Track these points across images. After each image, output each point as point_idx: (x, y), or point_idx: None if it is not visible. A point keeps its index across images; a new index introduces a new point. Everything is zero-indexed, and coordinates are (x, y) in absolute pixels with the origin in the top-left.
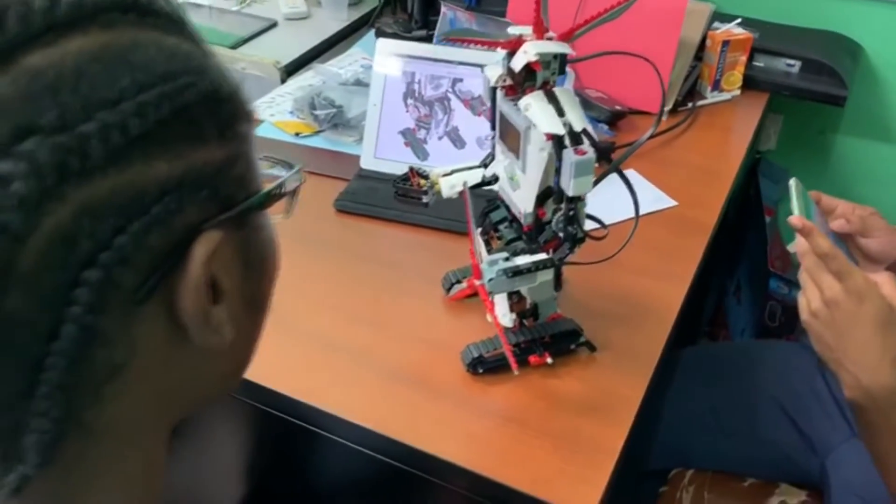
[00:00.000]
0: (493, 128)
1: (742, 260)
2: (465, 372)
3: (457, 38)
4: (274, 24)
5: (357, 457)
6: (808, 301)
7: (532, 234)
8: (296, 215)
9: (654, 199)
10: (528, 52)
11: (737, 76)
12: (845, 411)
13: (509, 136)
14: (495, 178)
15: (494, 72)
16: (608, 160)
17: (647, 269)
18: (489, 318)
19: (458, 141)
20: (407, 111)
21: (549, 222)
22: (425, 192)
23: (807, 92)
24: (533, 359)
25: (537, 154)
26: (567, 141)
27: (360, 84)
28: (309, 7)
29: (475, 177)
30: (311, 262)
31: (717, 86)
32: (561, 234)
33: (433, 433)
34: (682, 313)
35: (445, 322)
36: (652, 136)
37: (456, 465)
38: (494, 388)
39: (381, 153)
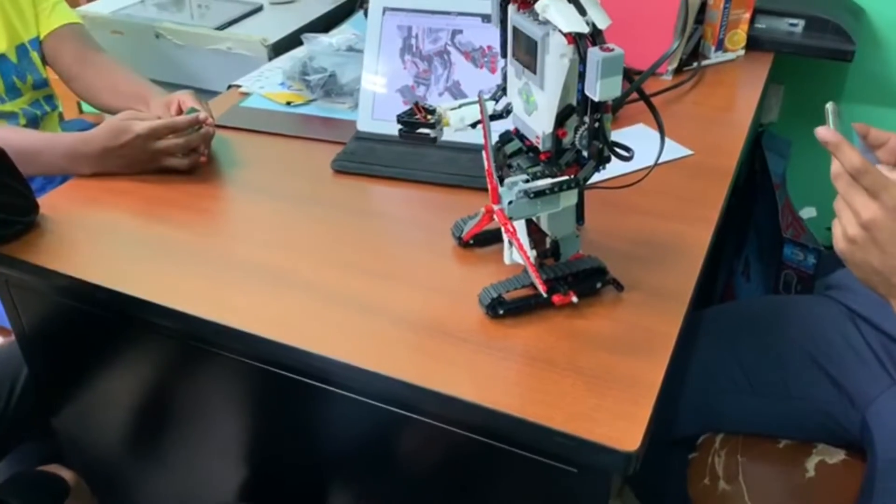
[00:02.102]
0: (504, 53)
1: (749, 237)
2: (483, 316)
3: None
4: (259, 8)
5: (374, 413)
6: (844, 227)
7: (552, 159)
8: (292, 178)
9: (669, 149)
10: None
11: (740, 35)
12: (882, 358)
13: (524, 51)
14: (507, 112)
15: None
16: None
17: (669, 213)
18: (507, 260)
19: (459, 96)
20: (405, 68)
21: (570, 145)
22: (433, 126)
23: (813, 49)
24: (557, 298)
25: (557, 63)
26: (591, 40)
27: (353, 50)
28: None
29: (485, 109)
30: (311, 222)
31: (720, 45)
32: (585, 152)
33: (453, 376)
34: (709, 254)
35: (458, 270)
36: (669, 56)
37: (480, 405)
38: (516, 330)
39: (379, 114)
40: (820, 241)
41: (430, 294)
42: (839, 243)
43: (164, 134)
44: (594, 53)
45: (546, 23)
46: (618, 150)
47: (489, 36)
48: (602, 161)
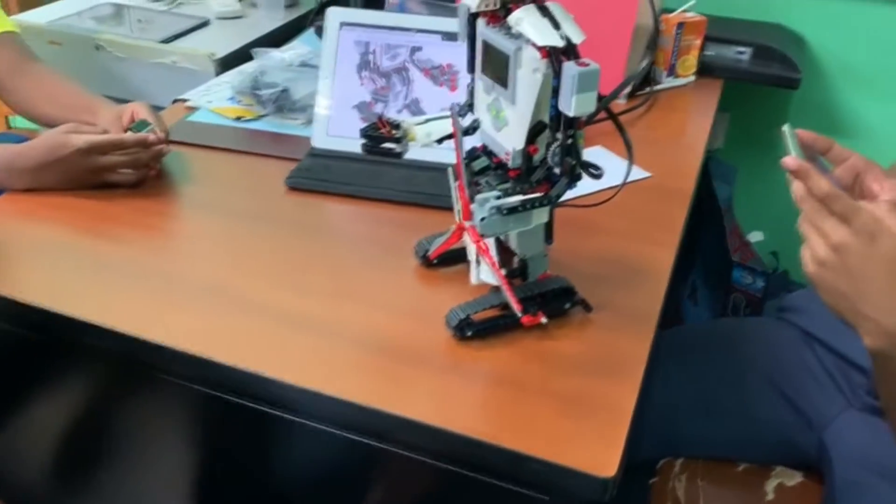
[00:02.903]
0: (471, 68)
1: (695, 261)
2: (449, 338)
3: None
4: (206, 23)
5: (334, 441)
6: (814, 250)
7: (522, 176)
8: (244, 195)
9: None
10: None
11: (692, 61)
12: (838, 381)
13: (494, 65)
14: (474, 129)
15: None
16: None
17: (632, 234)
18: (474, 280)
19: (419, 114)
20: (362, 84)
21: (541, 162)
22: (398, 141)
23: (760, 76)
24: (526, 319)
25: (530, 77)
26: (563, 54)
27: (307, 66)
28: (243, 7)
29: (451, 126)
30: (264, 240)
31: (672, 71)
32: (557, 169)
33: (419, 401)
34: (673, 275)
35: (422, 290)
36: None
37: (449, 430)
38: (484, 352)
39: (335, 130)
40: (768, 264)
41: (393, 315)
42: (808, 267)
43: (108, 150)
44: (570, 68)
45: (518, 36)
46: (589, 168)
47: (449, 53)
48: (574, 179)
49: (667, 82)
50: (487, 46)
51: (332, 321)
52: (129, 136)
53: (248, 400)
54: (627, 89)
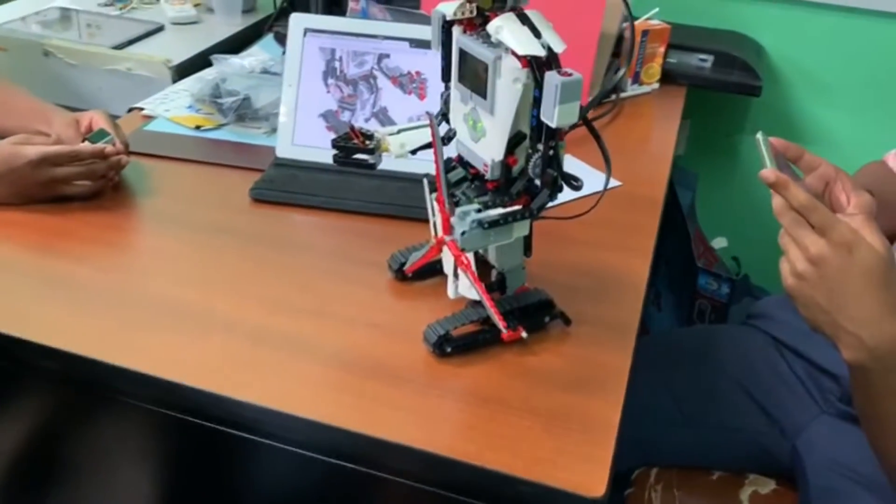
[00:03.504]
0: (445, 77)
1: (659, 268)
2: (427, 355)
3: None
4: (160, 28)
5: (307, 465)
6: (792, 263)
7: (501, 188)
8: (206, 208)
9: (598, 180)
10: None
11: (656, 68)
12: (809, 387)
13: (472, 74)
14: (449, 139)
15: (452, 4)
16: None
17: (606, 243)
18: (452, 294)
19: (387, 122)
20: (328, 92)
21: (520, 174)
22: (371, 152)
23: (723, 84)
24: (507, 335)
25: (509, 87)
26: (545, 63)
27: (268, 73)
28: (199, 12)
29: (426, 136)
30: (229, 255)
31: (637, 78)
32: (537, 181)
33: (398, 421)
34: (648, 285)
35: (397, 305)
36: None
37: (431, 452)
38: (464, 369)
39: (300, 139)
40: (730, 269)
41: (368, 331)
42: (787, 279)
43: (63, 161)
44: (552, 78)
45: (497, 45)
46: (570, 179)
47: (417, 61)
48: (556, 191)
49: (632, 90)
50: (464, 55)
51: (302, 339)
52: (86, 146)
53: (217, 423)
54: (592, 96)
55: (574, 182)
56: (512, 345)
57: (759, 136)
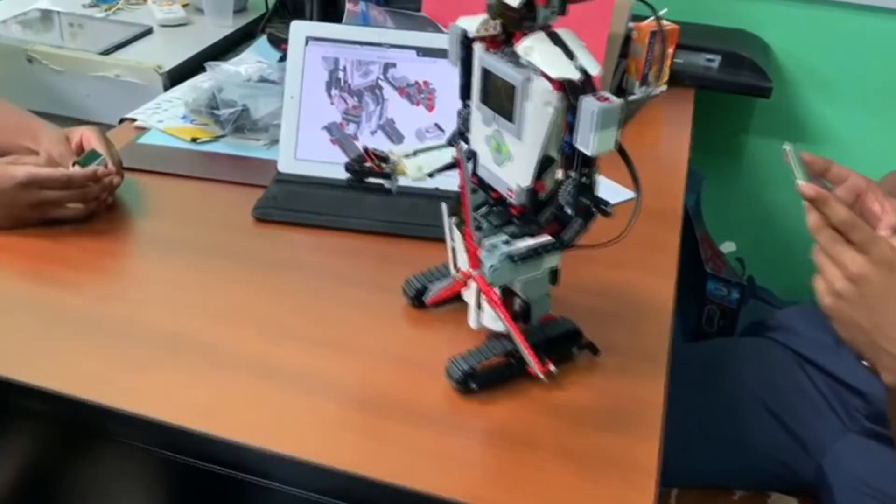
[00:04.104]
0: (465, 95)
1: None
2: (448, 390)
3: None
4: (149, 31)
5: None
6: (831, 282)
7: (527, 215)
8: (206, 229)
9: (612, 192)
10: None
11: (664, 70)
12: (833, 403)
13: (497, 96)
14: (468, 157)
15: (475, 19)
16: None
17: (627, 262)
18: (474, 325)
19: (394, 135)
20: (332, 103)
21: (547, 200)
22: (387, 176)
23: (732, 85)
24: (536, 370)
25: (540, 111)
26: (581, 88)
27: (266, 81)
28: (188, 14)
29: (444, 157)
30: (233, 282)
31: (645, 80)
32: (569, 210)
33: (421, 467)
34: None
35: (414, 335)
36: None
37: (458, 502)
38: (490, 407)
39: (303, 154)
40: (738, 273)
41: (384, 365)
42: (825, 299)
43: (54, 186)
44: (590, 103)
45: (524, 65)
46: (600, 205)
47: (425, 70)
48: (589, 219)
49: (640, 92)
50: (488, 75)
51: (314, 374)
52: (77, 172)
53: (223, 467)
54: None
55: (605, 208)
56: (538, 379)
57: (788, 147)
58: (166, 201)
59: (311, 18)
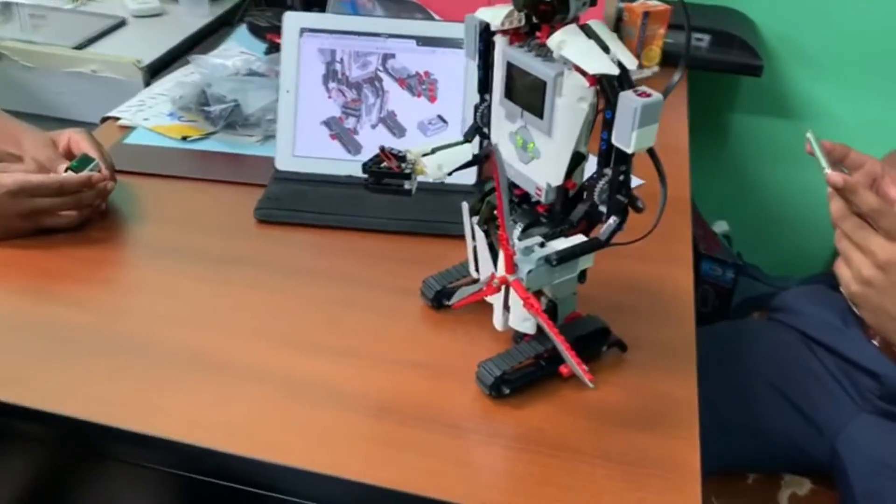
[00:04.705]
0: (484, 88)
1: None
2: (478, 395)
3: None
4: (122, 23)
5: None
6: (858, 268)
7: (556, 213)
8: (209, 233)
9: None
10: None
11: (656, 50)
12: (843, 383)
13: (524, 91)
14: (486, 156)
15: (498, 12)
16: None
17: (643, 252)
18: (500, 327)
19: (395, 128)
20: (329, 97)
21: (576, 197)
22: (407, 177)
23: (723, 64)
24: (565, 369)
25: (573, 107)
26: (619, 83)
27: (256, 74)
28: (162, 3)
29: (463, 154)
30: (242, 288)
31: (638, 61)
32: (602, 207)
33: (462, 479)
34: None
35: (437, 339)
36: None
37: None
38: (524, 411)
39: (301, 150)
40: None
41: (410, 372)
42: (852, 286)
43: (46, 193)
44: (630, 99)
45: (553, 59)
46: (635, 201)
47: (426, 60)
48: (625, 217)
49: (633, 74)
50: (514, 69)
51: (335, 385)
52: (71, 177)
53: (245, 486)
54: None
55: (639, 204)
56: (569, 379)
57: (810, 135)
58: (161, 204)
59: (291, 5)
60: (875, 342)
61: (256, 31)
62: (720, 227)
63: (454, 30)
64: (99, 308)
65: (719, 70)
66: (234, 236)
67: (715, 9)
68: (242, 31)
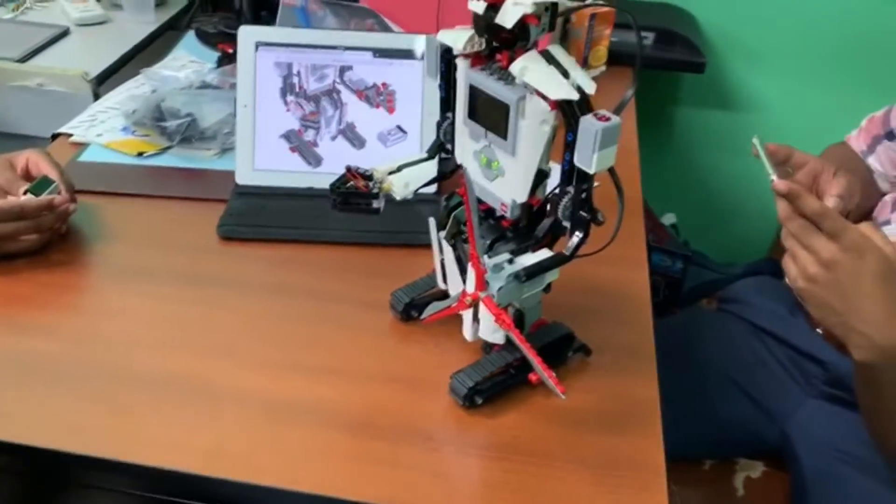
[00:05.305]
0: (447, 108)
1: None
2: (452, 405)
3: None
4: (65, 32)
5: None
6: (804, 266)
7: (521, 228)
8: (171, 252)
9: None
10: (523, 3)
11: (602, 51)
12: (791, 371)
13: (487, 113)
14: (451, 172)
15: (459, 36)
16: None
17: (599, 256)
18: (470, 337)
19: (355, 139)
20: (288, 110)
21: (540, 212)
22: (375, 196)
23: (667, 62)
24: (534, 376)
25: (536, 129)
26: (578, 108)
27: (210, 87)
28: (106, 10)
29: (429, 171)
30: (207, 308)
31: (585, 62)
32: (566, 223)
33: (441, 491)
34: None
35: (408, 352)
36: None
37: None
38: (497, 420)
39: (261, 164)
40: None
41: (385, 387)
42: (798, 282)
43: (5, 218)
44: (590, 124)
45: (514, 82)
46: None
47: (383, 72)
48: (588, 232)
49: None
50: (477, 92)
51: (308, 403)
52: (31, 201)
53: None
54: None
55: (600, 218)
56: (538, 385)
57: (756, 140)
58: (122, 224)
59: (240, 11)
60: (819, 331)
61: (205, 38)
62: (668, 219)
63: (409, 42)
64: (67, 335)
65: (664, 68)
66: (199, 255)
67: (658, 6)
68: (190, 37)
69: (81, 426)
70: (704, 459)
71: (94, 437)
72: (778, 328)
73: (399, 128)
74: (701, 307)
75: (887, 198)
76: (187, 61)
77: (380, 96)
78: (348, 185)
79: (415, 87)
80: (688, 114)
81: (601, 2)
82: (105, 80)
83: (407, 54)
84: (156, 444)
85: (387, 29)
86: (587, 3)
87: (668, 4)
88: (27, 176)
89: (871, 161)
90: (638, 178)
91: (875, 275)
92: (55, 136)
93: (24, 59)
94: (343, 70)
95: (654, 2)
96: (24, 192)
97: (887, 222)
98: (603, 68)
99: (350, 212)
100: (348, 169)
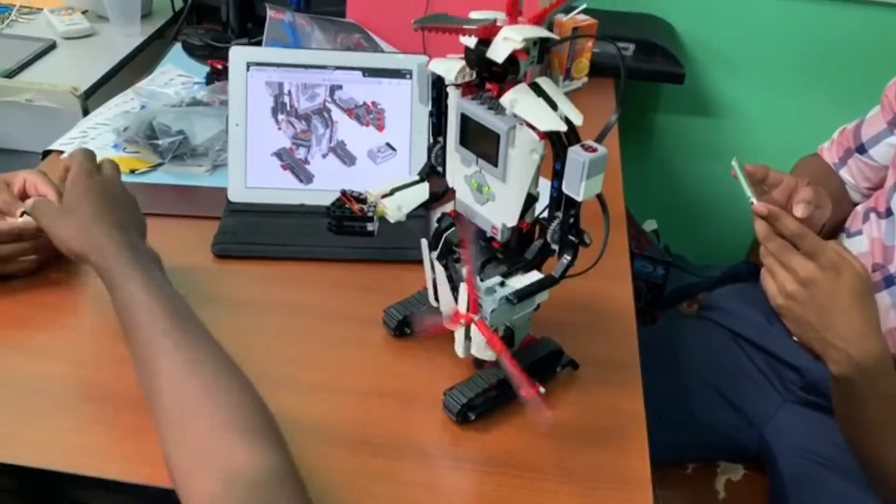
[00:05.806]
0: (437, 133)
1: None
2: (445, 421)
3: (430, 25)
4: (52, 46)
5: None
6: (782, 283)
7: (511, 250)
8: (167, 269)
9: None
10: (513, 39)
11: (585, 63)
12: (769, 377)
13: (478, 141)
14: (443, 193)
15: (451, 66)
16: None
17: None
18: (462, 354)
19: (346, 157)
20: (279, 128)
21: (529, 235)
22: (370, 219)
23: (647, 73)
24: (526, 392)
25: (526, 157)
26: (566, 138)
27: (200, 104)
28: (91, 23)
29: (421, 194)
30: (207, 326)
31: (568, 74)
32: (555, 246)
33: None
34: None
35: (402, 368)
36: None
37: None
38: (489, 435)
39: (254, 181)
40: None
41: (382, 403)
42: (777, 299)
43: (4, 239)
44: (578, 154)
45: (504, 112)
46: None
47: (372, 91)
48: (576, 255)
49: (564, 86)
50: (468, 120)
51: (304, 420)
52: (30, 224)
53: None
54: None
55: (587, 241)
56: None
57: (735, 163)
58: None
59: (227, 24)
60: (796, 338)
61: (192, 51)
62: (650, 225)
63: (398, 61)
64: (65, 355)
65: (644, 79)
66: (193, 272)
67: (637, 17)
68: (177, 50)
69: (81, 446)
70: (687, 462)
71: (94, 457)
72: (756, 336)
73: (388, 145)
74: (682, 311)
75: (859, 209)
76: (175, 75)
77: (369, 115)
78: (343, 208)
79: (404, 105)
80: (668, 122)
81: (584, 15)
82: (93, 94)
83: (396, 74)
84: (157, 464)
85: (373, 44)
86: (571, 36)
87: (647, 15)
88: (24, 197)
89: (843, 173)
90: (621, 192)
91: (851, 292)
92: (46, 154)
93: (11, 74)
94: (333, 89)
95: (635, 12)
96: (22, 214)
97: (859, 233)
98: (585, 79)
99: (345, 234)
100: (343, 192)
